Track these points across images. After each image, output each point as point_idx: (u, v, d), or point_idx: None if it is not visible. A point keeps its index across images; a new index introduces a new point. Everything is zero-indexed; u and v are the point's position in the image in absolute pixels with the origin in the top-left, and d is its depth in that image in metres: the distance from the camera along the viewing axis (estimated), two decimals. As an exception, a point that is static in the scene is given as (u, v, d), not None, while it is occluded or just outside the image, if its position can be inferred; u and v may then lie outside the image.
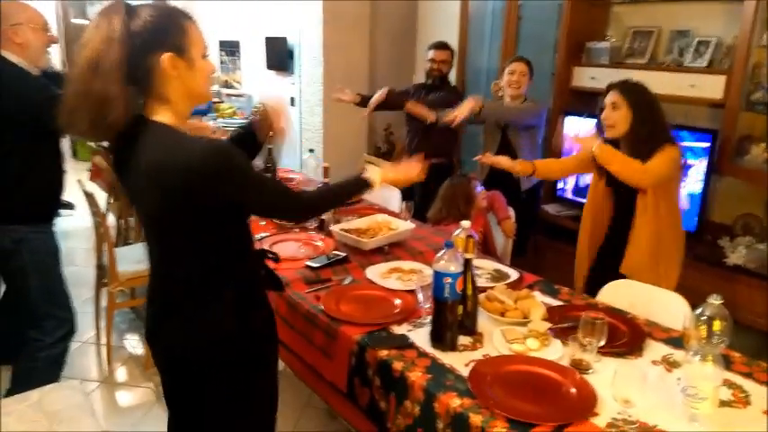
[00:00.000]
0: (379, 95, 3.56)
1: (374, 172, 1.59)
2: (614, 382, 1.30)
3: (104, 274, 2.92)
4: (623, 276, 2.16)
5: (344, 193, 1.57)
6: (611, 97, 2.29)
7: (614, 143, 2.30)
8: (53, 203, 2.29)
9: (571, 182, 3.59)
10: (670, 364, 1.54)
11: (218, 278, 1.34)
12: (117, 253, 2.85)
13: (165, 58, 1.21)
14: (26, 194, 2.16)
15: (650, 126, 2.23)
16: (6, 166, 2.09)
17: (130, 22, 1.20)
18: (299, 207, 1.45)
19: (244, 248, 1.42)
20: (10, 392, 2.14)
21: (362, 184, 1.57)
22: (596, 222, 2.45)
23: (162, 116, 1.26)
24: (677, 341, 1.63)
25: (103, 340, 2.98)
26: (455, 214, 2.65)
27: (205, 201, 1.24)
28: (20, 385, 2.17)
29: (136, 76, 1.21)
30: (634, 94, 2.27)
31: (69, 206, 2.20)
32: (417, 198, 2.99)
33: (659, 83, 3.02)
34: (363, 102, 3.65)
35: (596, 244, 2.47)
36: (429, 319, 1.63)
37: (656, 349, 1.62)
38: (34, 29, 2.09)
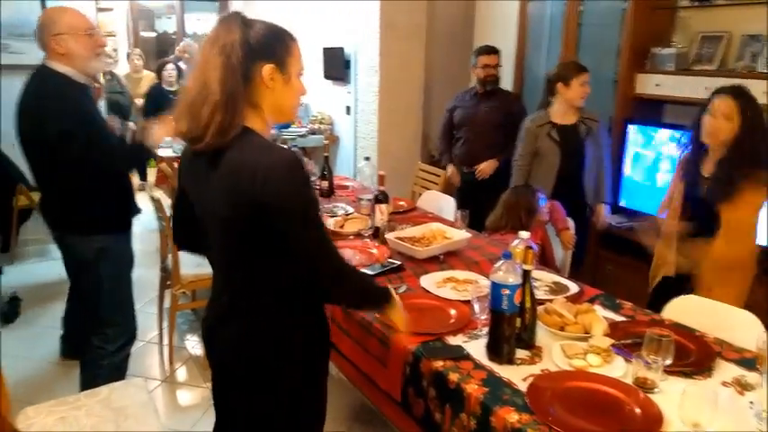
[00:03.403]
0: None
1: (395, 300, 1.56)
2: (682, 404, 1.24)
3: (168, 276, 3.03)
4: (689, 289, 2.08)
5: (369, 289, 1.52)
6: (722, 104, 2.16)
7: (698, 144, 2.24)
8: (130, 210, 2.36)
9: (639, 193, 3.46)
10: (742, 387, 1.46)
11: (283, 286, 1.35)
12: (180, 256, 2.96)
13: (267, 68, 1.28)
14: (106, 203, 2.22)
15: (755, 142, 2.10)
16: (80, 177, 2.12)
17: (247, 31, 1.27)
18: (335, 265, 1.36)
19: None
20: None
21: (384, 296, 1.53)
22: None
23: (251, 123, 1.30)
24: (750, 362, 1.55)
25: (165, 340, 3.10)
26: (515, 224, 2.59)
27: (259, 215, 1.25)
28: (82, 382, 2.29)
29: (239, 81, 1.26)
30: (747, 102, 2.13)
31: (137, 211, 2.29)
32: (472, 207, 2.97)
33: (730, 90, 2.89)
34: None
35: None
36: (485, 330, 1.61)
37: (727, 370, 1.54)
38: (76, 36, 2.07)
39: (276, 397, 1.40)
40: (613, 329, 1.68)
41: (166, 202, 2.93)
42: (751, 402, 1.31)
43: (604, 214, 3.13)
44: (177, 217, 1.57)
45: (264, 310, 1.36)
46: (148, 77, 5.75)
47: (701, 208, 2.27)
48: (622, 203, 3.52)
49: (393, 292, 1.58)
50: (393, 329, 1.69)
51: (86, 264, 2.24)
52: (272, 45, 1.29)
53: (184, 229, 1.56)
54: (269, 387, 1.40)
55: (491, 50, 3.68)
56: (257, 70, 1.27)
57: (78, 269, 2.32)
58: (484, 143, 3.67)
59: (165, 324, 3.13)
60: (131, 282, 2.40)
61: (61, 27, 2.05)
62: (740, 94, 2.16)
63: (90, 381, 2.28)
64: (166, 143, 4.60)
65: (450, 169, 3.82)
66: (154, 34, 7.62)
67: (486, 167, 3.66)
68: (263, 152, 1.25)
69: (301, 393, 1.44)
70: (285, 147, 1.42)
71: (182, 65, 5.58)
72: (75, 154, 2.03)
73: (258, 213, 1.23)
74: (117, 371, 2.36)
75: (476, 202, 3.17)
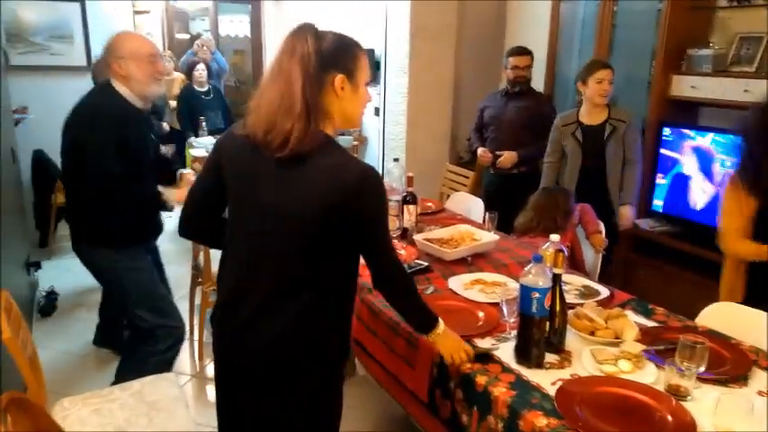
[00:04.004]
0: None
1: (442, 331, 1.53)
2: (716, 412, 1.22)
3: (199, 274, 3.09)
4: None
5: (418, 307, 1.52)
6: None
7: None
8: (146, 228, 2.41)
9: (672, 197, 3.40)
10: (779, 397, 1.42)
11: (326, 287, 1.38)
12: (211, 254, 3.01)
13: (339, 78, 1.34)
14: (115, 219, 2.25)
15: None
16: (97, 192, 2.18)
17: (320, 42, 1.34)
18: (397, 266, 1.46)
19: (352, 274, 1.46)
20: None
21: (431, 321, 1.52)
22: None
23: (323, 128, 1.36)
24: (788, 372, 1.51)
25: (196, 336, 3.15)
26: (550, 227, 2.51)
27: (344, 217, 1.31)
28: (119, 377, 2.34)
29: (317, 91, 1.33)
30: None
31: (168, 209, 2.33)
32: (500, 208, 2.96)
33: (770, 92, 2.82)
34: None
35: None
36: (513, 333, 1.60)
37: (763, 379, 1.50)
38: (138, 61, 2.17)
39: (297, 399, 1.41)
40: (645, 335, 1.65)
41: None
42: (789, 413, 1.27)
43: (628, 216, 3.07)
44: (195, 200, 1.53)
45: (302, 312, 1.36)
46: (179, 80, 5.84)
47: None
48: (656, 207, 3.45)
49: (442, 325, 1.53)
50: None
51: (104, 274, 2.36)
52: (343, 56, 1.36)
53: (201, 215, 1.53)
54: (291, 389, 1.41)
55: (522, 52, 3.64)
56: (329, 80, 1.34)
57: (101, 281, 2.45)
58: (511, 143, 3.64)
59: (196, 320, 3.19)
60: (159, 285, 2.42)
61: (124, 51, 2.17)
62: None
63: (135, 376, 2.29)
64: (199, 144, 4.69)
65: (481, 150, 3.75)
66: (188, 36, 7.76)
67: (505, 159, 3.62)
68: (351, 162, 1.33)
69: (321, 395, 1.45)
70: (367, 163, 1.44)
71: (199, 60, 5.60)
72: (103, 170, 2.11)
73: (341, 218, 1.30)
74: (164, 364, 2.40)
75: (504, 203, 3.16)
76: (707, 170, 3.16)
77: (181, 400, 1.95)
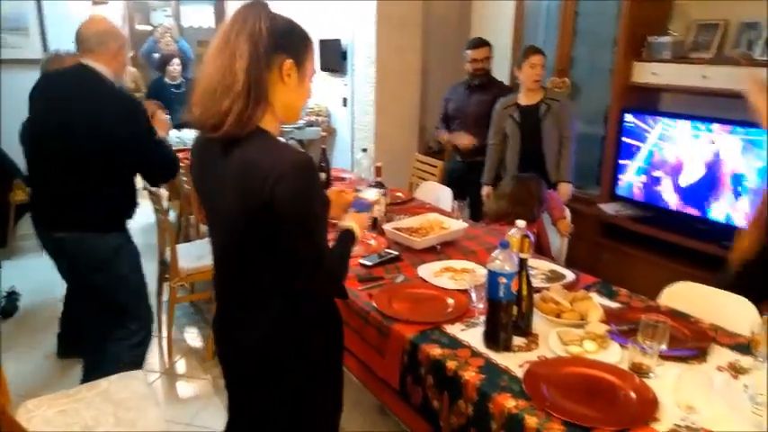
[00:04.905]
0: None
1: (350, 225, 1.51)
2: (677, 388, 1.26)
3: (166, 269, 3.04)
4: None
5: (349, 253, 1.48)
6: None
7: None
8: (135, 206, 2.41)
9: (636, 182, 3.47)
10: (737, 371, 1.47)
11: (287, 279, 1.34)
12: (178, 249, 2.97)
13: (288, 63, 1.27)
14: (122, 201, 2.30)
15: None
16: (111, 177, 2.21)
17: (275, 21, 1.26)
18: (327, 274, 1.34)
19: None
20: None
21: (353, 238, 1.50)
22: None
23: (264, 121, 1.28)
24: (744, 347, 1.56)
25: (164, 333, 3.11)
26: (527, 216, 2.53)
27: (266, 213, 1.23)
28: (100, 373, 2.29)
29: (263, 72, 1.24)
30: None
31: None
32: (465, 194, 3.07)
33: (727, 78, 2.90)
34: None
35: None
36: (482, 319, 1.62)
37: (721, 355, 1.55)
38: (126, 51, 2.25)
39: (291, 396, 1.40)
40: (609, 316, 1.69)
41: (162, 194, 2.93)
42: (745, 386, 1.32)
43: (567, 192, 3.21)
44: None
45: (277, 312, 1.34)
46: (130, 73, 5.61)
47: None
48: (621, 192, 3.53)
49: (354, 226, 1.50)
50: (391, 319, 1.70)
51: (106, 261, 2.27)
52: (296, 41, 1.30)
53: None
54: (284, 387, 1.40)
55: (479, 44, 3.67)
56: (277, 63, 1.26)
57: (94, 269, 2.31)
58: (476, 135, 3.68)
59: (165, 317, 3.14)
60: (144, 276, 2.45)
61: (123, 41, 2.24)
62: None
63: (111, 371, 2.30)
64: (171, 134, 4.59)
65: (447, 136, 3.83)
66: (150, 27, 7.57)
67: (462, 138, 3.67)
68: (277, 152, 1.23)
69: (316, 393, 1.44)
70: (302, 150, 1.39)
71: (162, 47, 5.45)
72: (135, 156, 2.21)
73: (267, 213, 1.22)
74: (133, 365, 2.37)
75: (464, 189, 3.39)
76: (668, 155, 3.24)
77: (150, 398, 1.92)
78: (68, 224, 2.21)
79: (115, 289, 2.32)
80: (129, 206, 2.35)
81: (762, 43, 2.91)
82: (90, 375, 2.35)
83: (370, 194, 1.71)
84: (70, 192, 2.19)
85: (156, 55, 5.55)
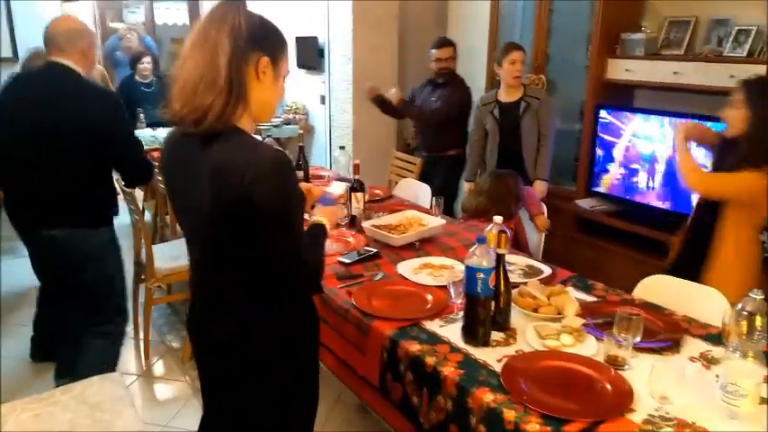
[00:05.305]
0: (395, 98, 3.67)
1: (320, 220, 1.52)
2: (651, 379, 1.28)
3: (142, 270, 3.00)
4: None
5: (323, 244, 1.49)
6: (734, 93, 2.12)
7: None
8: (116, 203, 2.44)
9: (612, 177, 3.52)
10: (708, 361, 1.50)
11: (264, 277, 1.33)
12: (154, 250, 2.93)
13: (264, 60, 1.27)
14: (110, 195, 2.33)
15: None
16: (97, 173, 2.24)
17: (251, 18, 1.27)
18: (306, 272, 1.34)
19: None
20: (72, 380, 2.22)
21: (324, 232, 1.51)
22: None
23: (240, 120, 1.28)
24: (716, 338, 1.60)
25: (141, 335, 3.06)
26: (504, 212, 2.49)
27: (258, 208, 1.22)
28: (80, 372, 2.25)
29: (243, 67, 1.24)
30: (756, 91, 2.07)
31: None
32: (435, 191, 3.12)
33: (697, 74, 2.96)
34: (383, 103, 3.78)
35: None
36: (461, 314, 1.63)
37: (694, 346, 1.58)
38: (95, 48, 2.28)
39: (267, 394, 1.40)
40: (585, 310, 1.71)
41: (137, 194, 2.89)
42: (716, 376, 1.35)
43: (542, 189, 3.25)
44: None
45: (253, 309, 1.34)
46: (98, 71, 5.51)
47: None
48: (596, 188, 3.58)
49: (323, 220, 1.52)
50: (371, 316, 1.71)
51: (95, 258, 2.29)
52: (272, 40, 1.31)
53: None
54: (261, 385, 1.39)
55: (443, 44, 3.75)
56: (253, 60, 1.27)
57: (83, 266, 2.29)
58: (436, 131, 3.78)
59: (141, 318, 3.09)
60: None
61: (92, 39, 2.25)
62: (748, 84, 2.10)
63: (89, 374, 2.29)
64: (137, 136, 4.51)
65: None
66: (122, 25, 7.45)
67: (390, 94, 3.70)
68: (253, 150, 1.23)
69: (293, 390, 1.44)
70: (279, 148, 1.40)
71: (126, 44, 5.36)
72: (118, 151, 2.24)
73: (243, 210, 1.21)
74: (113, 363, 2.43)
75: (431, 183, 3.45)
76: (643, 150, 3.30)
77: (126, 400, 1.89)
78: (58, 221, 2.20)
79: (101, 286, 2.34)
80: (113, 202, 2.37)
81: (731, 40, 2.97)
82: (65, 375, 2.34)
83: (336, 188, 1.72)
84: (57, 188, 2.18)
85: (119, 53, 5.46)
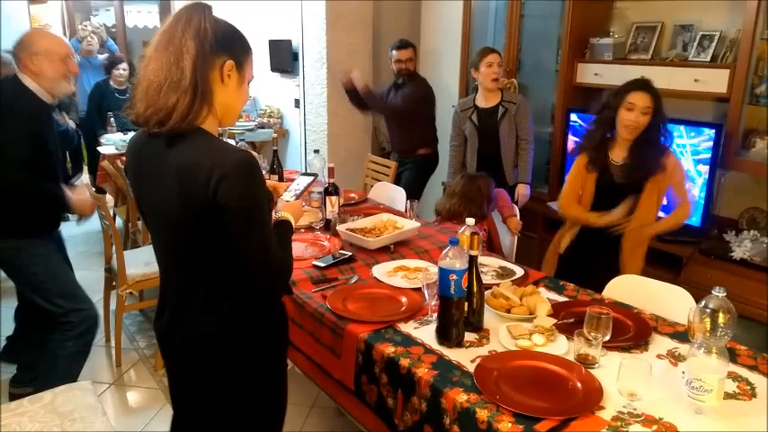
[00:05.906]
0: (359, 82, 3.71)
1: (285, 215, 1.53)
2: (620, 376, 1.31)
3: (113, 277, 2.95)
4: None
5: (290, 241, 1.49)
6: (641, 100, 2.29)
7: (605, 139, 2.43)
8: (57, 213, 2.43)
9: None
10: (675, 358, 1.54)
11: (233, 278, 1.33)
12: (126, 256, 2.88)
13: (229, 63, 1.29)
14: (38, 207, 2.28)
15: (661, 130, 2.31)
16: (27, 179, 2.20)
17: (217, 22, 1.28)
18: (275, 271, 1.33)
19: None
20: (37, 386, 2.21)
21: (290, 228, 1.52)
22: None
23: (206, 124, 1.29)
24: (683, 335, 1.64)
25: (113, 342, 3.01)
26: (477, 214, 2.59)
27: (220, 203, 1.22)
28: (45, 377, 2.26)
29: (208, 69, 1.26)
30: (656, 95, 2.30)
31: (68, 210, 2.37)
32: (407, 190, 3.19)
33: (663, 78, 3.02)
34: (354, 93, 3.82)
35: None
36: (435, 316, 1.64)
37: (661, 343, 1.62)
38: (51, 60, 2.19)
39: (236, 395, 1.39)
40: (557, 310, 1.74)
41: (107, 200, 2.84)
42: (683, 372, 1.38)
43: (524, 194, 3.34)
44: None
45: (222, 310, 1.33)
46: None
47: (612, 193, 2.43)
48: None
49: (289, 218, 1.52)
50: (346, 319, 1.71)
51: (16, 267, 2.31)
52: (238, 43, 1.33)
53: None
54: (229, 385, 1.39)
55: (403, 45, 3.86)
56: (218, 63, 1.28)
57: (11, 276, 2.36)
58: (403, 130, 3.87)
59: (113, 326, 3.04)
60: (68, 272, 2.45)
61: (39, 48, 2.18)
62: (651, 88, 2.32)
63: (50, 371, 2.31)
64: (108, 140, 4.44)
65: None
66: (86, 26, 7.31)
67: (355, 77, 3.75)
68: (218, 151, 1.24)
69: (262, 391, 1.44)
70: (245, 149, 1.40)
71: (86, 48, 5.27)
72: (16, 159, 2.16)
73: (210, 211, 1.21)
74: (79, 355, 2.40)
75: (410, 186, 3.56)
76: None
77: (97, 409, 1.86)
78: None
79: (37, 289, 2.33)
80: (32, 213, 2.30)
81: (695, 45, 3.06)
82: (20, 382, 2.40)
83: (302, 183, 1.74)
84: None
85: (78, 57, 5.37)
